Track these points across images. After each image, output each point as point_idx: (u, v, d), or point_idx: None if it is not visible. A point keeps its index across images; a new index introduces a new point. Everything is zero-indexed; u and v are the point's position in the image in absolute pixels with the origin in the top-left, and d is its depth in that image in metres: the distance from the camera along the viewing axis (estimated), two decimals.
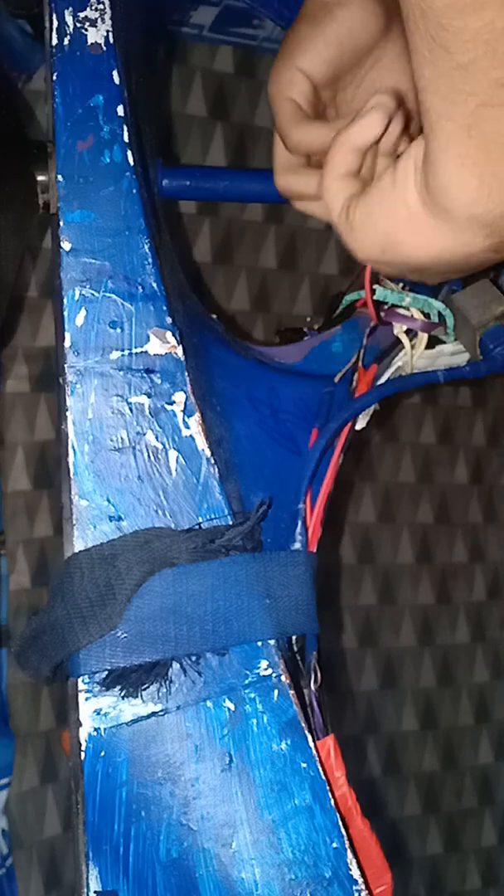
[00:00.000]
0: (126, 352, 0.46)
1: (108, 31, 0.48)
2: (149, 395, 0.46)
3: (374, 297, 0.57)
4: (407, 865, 1.06)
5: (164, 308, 0.46)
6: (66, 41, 0.47)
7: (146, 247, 0.47)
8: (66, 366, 0.45)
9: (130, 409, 0.46)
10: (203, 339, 0.53)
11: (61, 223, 0.46)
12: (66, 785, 0.86)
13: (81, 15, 0.48)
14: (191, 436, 0.46)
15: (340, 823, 0.45)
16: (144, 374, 0.46)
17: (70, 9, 0.48)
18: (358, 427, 0.56)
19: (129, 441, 0.45)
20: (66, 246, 0.46)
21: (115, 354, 0.46)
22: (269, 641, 0.46)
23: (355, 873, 0.45)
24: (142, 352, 0.46)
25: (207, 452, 0.46)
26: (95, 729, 0.44)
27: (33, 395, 0.87)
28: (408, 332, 0.57)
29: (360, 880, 0.45)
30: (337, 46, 0.52)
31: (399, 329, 0.57)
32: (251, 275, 0.98)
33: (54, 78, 0.47)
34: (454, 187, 0.37)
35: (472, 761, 1.11)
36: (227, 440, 0.50)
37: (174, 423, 0.46)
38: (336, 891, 0.45)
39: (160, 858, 0.44)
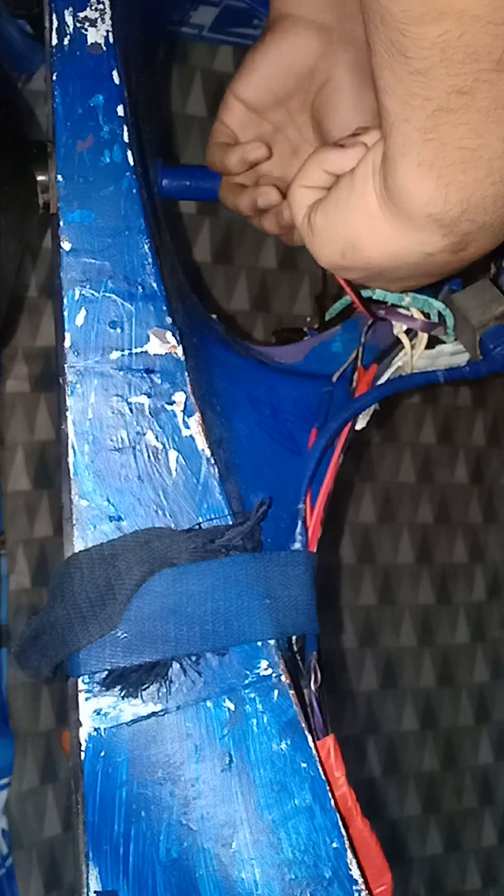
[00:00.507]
0: (126, 352, 0.46)
1: (108, 31, 0.48)
2: (149, 395, 0.46)
3: (374, 297, 0.57)
4: (407, 865, 1.06)
5: (164, 308, 0.47)
6: (66, 41, 0.47)
7: (146, 247, 0.47)
8: (66, 366, 0.45)
9: (130, 409, 0.46)
10: (203, 339, 0.53)
11: (61, 223, 0.46)
12: (66, 785, 0.86)
13: (81, 15, 0.48)
14: (191, 436, 0.46)
15: (340, 823, 0.45)
16: (144, 374, 0.46)
17: (70, 9, 0.48)
18: (358, 427, 0.56)
19: (129, 441, 0.45)
20: (66, 246, 0.46)
21: (115, 354, 0.46)
22: (269, 641, 0.46)
23: (355, 873, 0.45)
24: (142, 352, 0.46)
25: (207, 452, 0.46)
26: (95, 729, 0.44)
27: (33, 395, 0.87)
28: (408, 332, 0.57)
29: (360, 880, 0.45)
30: (269, 73, 0.56)
31: (399, 329, 0.57)
32: (251, 275, 0.98)
33: (54, 78, 0.47)
34: (411, 188, 0.38)
35: (472, 761, 1.11)
36: (227, 440, 0.50)
37: (174, 423, 0.46)
38: (336, 891, 0.45)
39: (160, 858, 0.44)
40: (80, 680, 0.44)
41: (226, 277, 0.97)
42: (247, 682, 0.45)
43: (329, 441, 0.53)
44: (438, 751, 1.09)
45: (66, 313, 0.46)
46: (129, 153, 0.47)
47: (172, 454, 0.46)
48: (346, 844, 0.45)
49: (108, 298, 0.46)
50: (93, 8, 0.48)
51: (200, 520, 0.46)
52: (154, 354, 0.46)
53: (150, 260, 0.47)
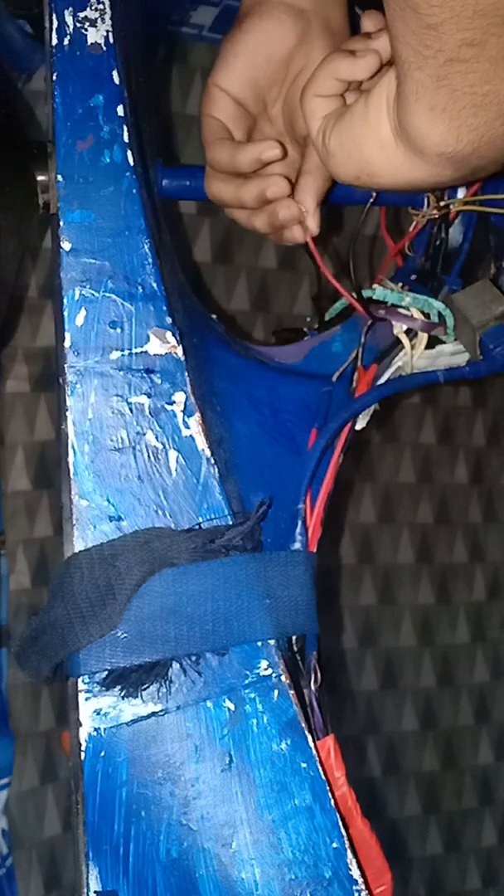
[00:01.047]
0: (126, 352, 0.46)
1: (108, 31, 0.48)
2: (149, 395, 0.46)
3: (374, 297, 0.57)
4: (407, 865, 1.06)
5: (164, 308, 0.46)
6: (66, 41, 0.47)
7: (146, 247, 0.47)
8: (66, 366, 0.45)
9: (130, 409, 0.46)
10: (203, 339, 0.53)
11: (61, 223, 0.46)
12: (66, 785, 0.86)
13: (81, 15, 0.48)
14: (191, 436, 0.46)
15: (340, 823, 0.45)
16: (144, 374, 0.46)
17: (70, 9, 0.48)
18: (358, 427, 0.56)
19: (129, 441, 0.45)
20: (66, 246, 0.46)
21: (115, 354, 0.46)
22: (269, 641, 0.46)
23: (355, 873, 0.45)
24: (142, 352, 0.46)
25: (207, 452, 0.46)
26: (95, 729, 0.44)
27: (33, 395, 0.87)
28: (408, 332, 0.57)
29: (360, 880, 0.45)
30: (249, 60, 0.54)
31: (399, 329, 0.57)
32: (251, 275, 0.98)
33: (54, 78, 0.47)
34: (424, 129, 0.40)
35: (472, 761, 1.11)
36: (227, 440, 0.50)
37: (174, 423, 0.46)
38: (336, 891, 0.45)
39: (160, 858, 0.44)
40: (80, 680, 0.44)
41: (226, 277, 0.97)
42: (247, 682, 0.45)
43: (329, 441, 0.53)
44: (438, 751, 1.09)
45: (66, 313, 0.46)
46: (129, 153, 0.47)
47: (172, 454, 0.46)
48: (346, 844, 0.45)
49: (108, 298, 0.46)
50: (93, 8, 0.48)
51: (200, 520, 0.46)
52: (154, 354, 0.46)
53: (150, 260, 0.47)
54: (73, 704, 0.44)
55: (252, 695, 0.45)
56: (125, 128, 0.47)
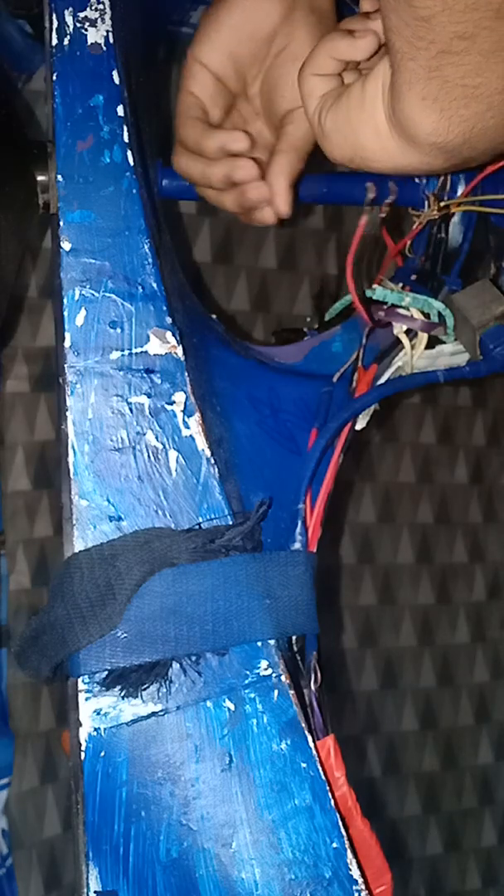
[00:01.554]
0: (126, 352, 0.46)
1: (108, 31, 0.48)
2: (149, 395, 0.46)
3: (374, 297, 0.57)
4: (407, 865, 1.06)
5: (164, 308, 0.46)
6: (66, 41, 0.47)
7: (146, 247, 0.47)
8: (66, 366, 0.45)
9: (130, 409, 0.46)
10: (203, 339, 0.53)
11: (61, 223, 0.46)
12: (66, 785, 0.86)
13: (81, 15, 0.48)
14: (191, 436, 0.46)
15: (340, 823, 0.45)
16: (144, 374, 0.46)
17: (70, 9, 0.48)
18: (358, 427, 0.56)
19: (129, 441, 0.45)
20: (66, 246, 0.46)
21: (115, 354, 0.46)
22: (269, 641, 0.46)
23: (355, 873, 0.45)
24: (142, 352, 0.46)
25: (207, 452, 0.46)
26: (95, 729, 0.44)
27: (33, 395, 0.87)
28: (408, 332, 0.57)
29: (360, 880, 0.45)
30: (232, 35, 0.54)
31: (399, 329, 0.57)
32: (251, 275, 0.98)
33: (54, 78, 0.47)
34: (416, 119, 0.41)
35: (472, 761, 1.11)
36: (227, 440, 0.50)
37: (174, 423, 0.46)
38: (336, 891, 0.45)
39: (160, 858, 0.44)
40: (80, 680, 0.44)
41: (226, 277, 0.97)
42: (247, 682, 0.45)
43: (329, 441, 0.53)
44: (438, 751, 1.09)
45: (66, 313, 0.46)
46: (129, 153, 0.47)
47: (172, 454, 0.46)
48: (346, 844, 0.45)
49: (108, 298, 0.46)
50: (93, 8, 0.48)
51: (200, 520, 0.46)
52: (154, 354, 0.46)
53: (150, 260, 0.47)
54: (73, 704, 0.44)
55: (252, 695, 0.45)
56: (125, 128, 0.47)
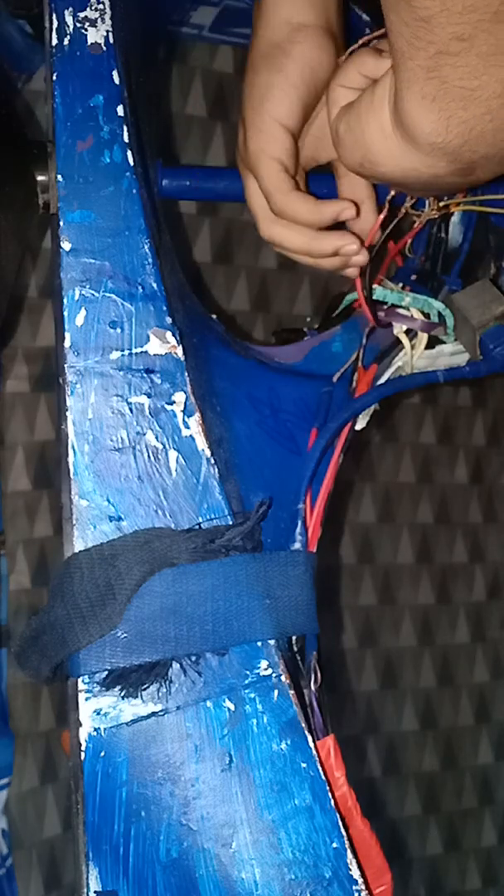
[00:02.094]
0: (126, 352, 0.46)
1: (108, 31, 0.48)
2: (149, 395, 0.46)
3: (374, 297, 0.57)
4: (407, 865, 1.06)
5: (164, 308, 0.46)
6: (66, 41, 0.47)
7: (146, 247, 0.47)
8: (66, 366, 0.45)
9: (130, 409, 0.46)
10: (203, 339, 0.53)
11: (61, 223, 0.46)
12: (66, 785, 0.86)
13: (81, 15, 0.48)
14: (191, 436, 0.46)
15: (340, 823, 0.45)
16: (144, 374, 0.46)
17: (70, 9, 0.48)
18: (358, 427, 0.56)
19: (129, 441, 0.45)
20: (66, 246, 0.46)
21: (115, 354, 0.46)
22: (269, 641, 0.46)
23: (355, 873, 0.45)
24: (142, 352, 0.46)
25: (207, 452, 0.46)
26: (95, 729, 0.44)
27: (33, 395, 0.87)
28: (408, 332, 0.57)
29: (360, 880, 0.45)
30: (304, 88, 0.53)
31: (399, 329, 0.57)
32: (251, 275, 0.98)
33: (54, 78, 0.47)
34: (416, 118, 0.41)
35: (472, 761, 1.11)
36: (227, 440, 0.50)
37: (174, 423, 0.46)
38: (336, 891, 0.45)
39: (160, 858, 0.44)
40: (80, 680, 0.44)
41: (226, 277, 0.97)
42: (247, 682, 0.45)
43: (329, 441, 0.53)
44: (438, 751, 1.09)
45: (66, 313, 0.46)
46: (129, 153, 0.47)
47: (172, 454, 0.46)
48: (346, 844, 0.45)
49: (108, 298, 0.46)
50: (93, 8, 0.48)
51: (200, 520, 0.46)
52: (154, 354, 0.46)
53: (150, 260, 0.47)
54: (73, 704, 0.44)
55: (252, 695, 0.45)
56: (125, 128, 0.47)
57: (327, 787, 0.45)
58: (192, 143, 0.93)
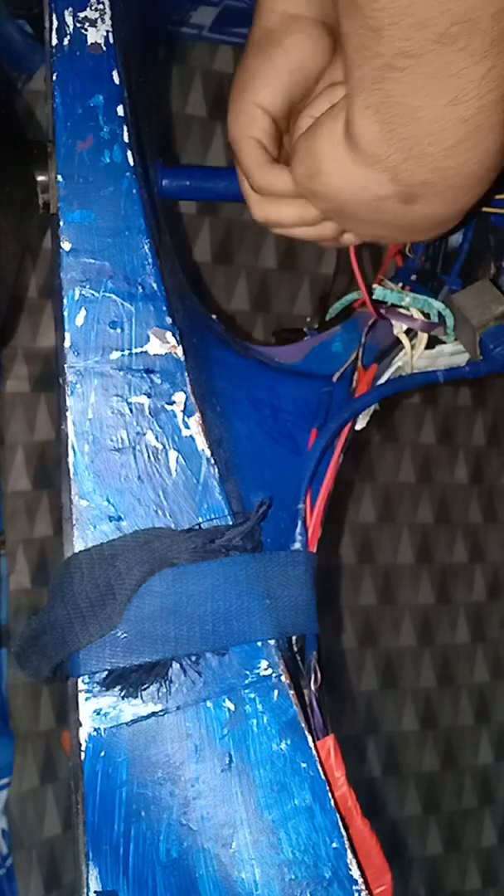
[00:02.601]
0: (126, 352, 0.46)
1: (108, 31, 0.48)
2: (149, 395, 0.46)
3: (374, 297, 0.57)
4: (407, 865, 1.06)
5: (164, 308, 0.46)
6: (66, 41, 0.47)
7: (146, 247, 0.47)
8: (66, 366, 0.45)
9: (130, 409, 0.46)
10: (203, 339, 0.53)
11: (61, 223, 0.46)
12: (66, 785, 0.86)
13: (81, 15, 0.48)
14: (191, 436, 0.46)
15: (340, 823, 0.45)
16: (144, 374, 0.46)
17: (70, 9, 0.48)
18: (358, 427, 0.56)
19: (129, 441, 0.45)
20: (66, 246, 0.46)
21: (115, 354, 0.46)
22: (269, 641, 0.46)
23: (355, 873, 0.45)
24: (142, 352, 0.46)
25: (207, 452, 0.46)
26: (95, 729, 0.44)
27: (33, 395, 0.87)
28: (408, 332, 0.57)
29: (360, 880, 0.45)
30: (289, 77, 0.52)
31: (399, 329, 0.57)
32: (251, 275, 0.98)
33: (54, 78, 0.47)
34: (360, 125, 0.41)
35: (472, 761, 1.11)
36: (227, 440, 0.50)
37: (174, 423, 0.46)
38: (336, 891, 0.45)
39: (160, 858, 0.44)
40: (80, 680, 0.44)
41: (226, 277, 0.97)
42: (247, 682, 0.45)
43: (329, 441, 0.53)
44: (438, 751, 1.09)
45: (66, 313, 0.46)
46: (129, 153, 0.47)
47: (172, 454, 0.46)
48: (346, 844, 0.45)
49: (108, 298, 0.46)
50: (93, 8, 0.48)
51: (200, 520, 0.46)
52: (154, 354, 0.46)
53: (150, 260, 0.47)
54: (73, 704, 0.44)
55: (252, 695, 0.45)
56: (125, 128, 0.47)
57: (327, 787, 0.45)
58: (192, 143, 0.93)
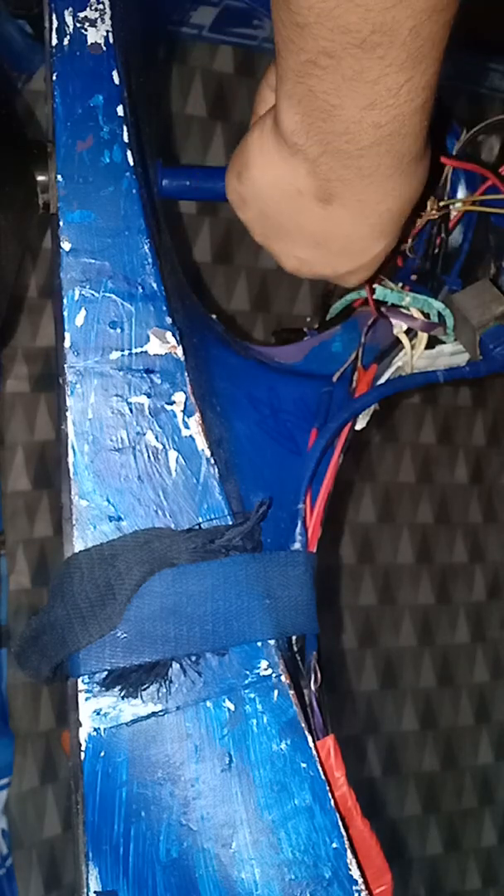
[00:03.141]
0: (126, 352, 0.46)
1: (108, 31, 0.48)
2: (149, 395, 0.46)
3: (374, 297, 0.57)
4: (407, 865, 1.06)
5: (164, 308, 0.46)
6: (66, 41, 0.47)
7: (146, 247, 0.47)
8: (65, 366, 0.45)
9: (130, 409, 0.46)
10: (203, 339, 0.53)
11: (61, 223, 0.46)
12: (66, 785, 0.86)
13: (81, 15, 0.48)
14: (191, 436, 0.46)
15: (340, 823, 0.45)
16: (144, 374, 0.46)
17: (70, 9, 0.48)
18: (358, 427, 0.56)
19: (129, 441, 0.45)
20: (66, 246, 0.46)
21: (114, 354, 0.46)
22: (269, 641, 0.46)
23: (355, 873, 0.45)
24: (142, 352, 0.46)
25: (207, 452, 0.46)
26: (95, 729, 0.44)
27: (33, 395, 0.87)
28: (408, 332, 0.57)
29: (360, 880, 0.45)
30: None
31: (399, 329, 0.57)
32: (251, 275, 0.98)
33: (54, 78, 0.47)
34: (284, 113, 0.42)
35: (472, 761, 1.11)
36: (227, 440, 0.50)
37: (174, 423, 0.46)
38: (336, 891, 0.45)
39: (160, 858, 0.44)
40: (79, 680, 0.44)
41: (226, 277, 0.97)
42: (247, 682, 0.45)
43: (329, 441, 0.53)
44: (438, 751, 1.09)
45: (66, 313, 0.46)
46: (129, 153, 0.47)
47: (172, 454, 0.46)
48: (346, 844, 0.45)
49: (108, 298, 0.46)
50: (93, 8, 0.48)
51: (200, 520, 0.46)
52: (154, 354, 0.46)
53: (150, 260, 0.47)
54: (73, 704, 0.44)
55: (252, 695, 0.45)
56: (125, 128, 0.47)
57: (327, 787, 0.45)
58: (192, 143, 0.93)
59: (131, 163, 0.47)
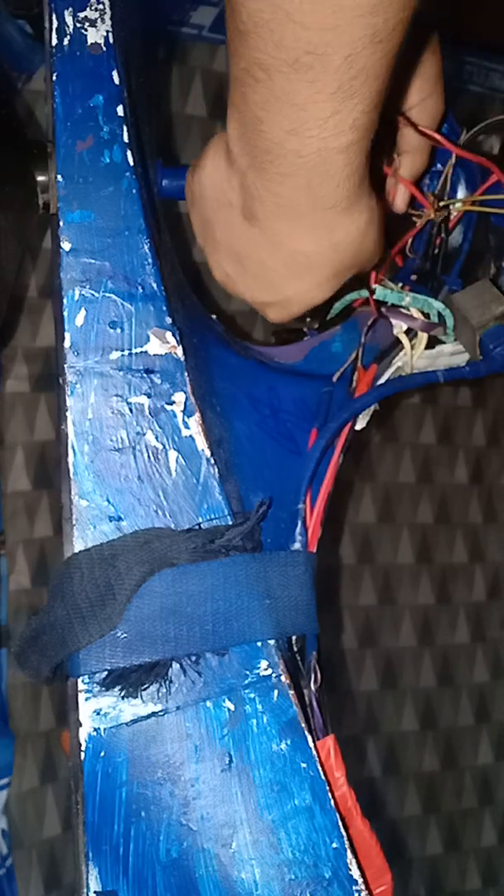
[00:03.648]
0: (126, 352, 0.46)
1: (108, 31, 0.48)
2: (149, 396, 0.46)
3: (374, 297, 0.57)
4: (407, 865, 1.06)
5: (164, 308, 0.46)
6: (65, 41, 0.47)
7: (146, 247, 0.47)
8: (65, 366, 0.45)
9: (130, 410, 0.46)
10: (203, 339, 0.53)
11: (61, 223, 0.46)
12: (66, 785, 0.86)
13: (81, 15, 0.48)
14: (191, 436, 0.46)
15: (340, 823, 0.45)
16: (144, 375, 0.46)
17: (70, 9, 0.48)
18: (358, 427, 0.56)
19: (129, 441, 0.45)
20: (66, 246, 0.46)
21: (114, 354, 0.46)
22: (269, 641, 0.46)
23: (355, 873, 0.45)
24: (142, 352, 0.46)
25: (207, 452, 0.46)
26: (95, 729, 0.44)
27: (33, 395, 0.87)
28: (408, 332, 0.57)
29: (360, 880, 0.45)
30: None
31: (399, 329, 0.57)
32: None
33: (54, 78, 0.47)
34: (229, 120, 0.43)
35: (472, 761, 1.11)
36: (227, 440, 0.50)
37: (174, 424, 0.46)
38: (336, 891, 0.45)
39: (160, 858, 0.44)
40: (79, 680, 0.44)
41: None
42: (247, 682, 0.45)
43: (329, 441, 0.53)
44: (438, 751, 1.09)
45: (66, 313, 0.46)
46: (129, 153, 0.47)
47: (172, 454, 0.46)
48: (346, 844, 0.45)
49: (108, 298, 0.46)
50: (93, 8, 0.48)
51: (200, 520, 0.46)
52: (154, 354, 0.46)
53: (150, 260, 0.47)
54: (73, 704, 0.44)
55: (252, 695, 0.45)
56: (125, 128, 0.47)
57: (327, 787, 0.45)
58: (192, 143, 0.93)
59: (131, 163, 0.47)
